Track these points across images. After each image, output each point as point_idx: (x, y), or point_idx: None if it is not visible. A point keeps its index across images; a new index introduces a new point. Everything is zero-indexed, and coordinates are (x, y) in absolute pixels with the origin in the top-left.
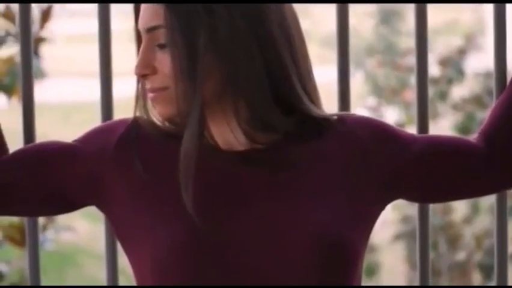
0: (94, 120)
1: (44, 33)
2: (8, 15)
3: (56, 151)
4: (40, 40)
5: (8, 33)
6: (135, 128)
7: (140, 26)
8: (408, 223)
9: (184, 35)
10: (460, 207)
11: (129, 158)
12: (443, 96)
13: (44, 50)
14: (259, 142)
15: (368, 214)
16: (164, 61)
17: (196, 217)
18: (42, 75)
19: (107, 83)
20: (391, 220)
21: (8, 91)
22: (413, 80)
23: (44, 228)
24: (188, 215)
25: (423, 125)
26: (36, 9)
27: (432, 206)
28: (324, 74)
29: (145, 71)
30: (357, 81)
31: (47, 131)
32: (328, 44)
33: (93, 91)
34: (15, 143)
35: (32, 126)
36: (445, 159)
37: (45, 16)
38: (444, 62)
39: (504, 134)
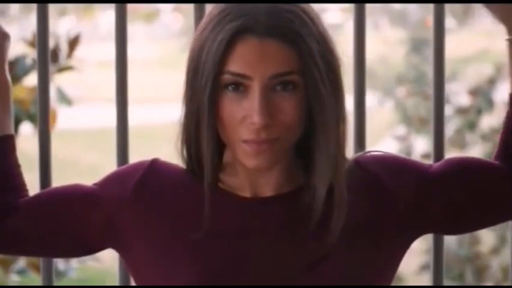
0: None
1: (71, 61)
2: (34, 43)
3: (76, 197)
4: (66, 68)
5: (35, 61)
6: (152, 172)
7: (259, 72)
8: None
9: (321, 79)
10: (487, 238)
11: (146, 204)
12: (472, 126)
13: (74, 76)
14: (292, 187)
15: (391, 257)
16: (288, 107)
17: (212, 263)
18: (68, 102)
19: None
20: (418, 250)
21: (34, 120)
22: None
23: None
24: (205, 260)
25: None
26: (63, 37)
27: (458, 238)
28: (349, 105)
29: (268, 120)
30: (386, 110)
31: (78, 156)
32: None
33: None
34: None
35: (48, 153)
36: (464, 179)
37: (73, 44)
38: (474, 92)
39: None
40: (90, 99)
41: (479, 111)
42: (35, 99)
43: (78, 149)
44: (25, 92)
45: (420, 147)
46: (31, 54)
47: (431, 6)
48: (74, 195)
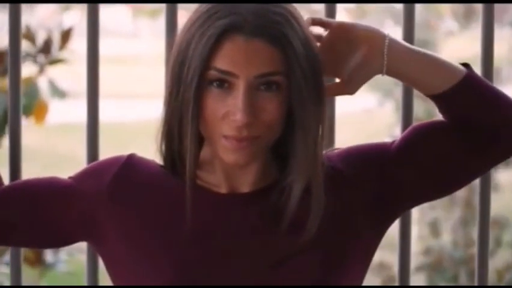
0: (116, 140)
1: (63, 54)
2: (26, 35)
3: (51, 190)
4: (58, 61)
5: (27, 54)
6: (128, 167)
7: (244, 71)
8: (430, 255)
9: (305, 81)
10: None
11: (122, 199)
12: None
13: (74, 70)
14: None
15: (367, 242)
16: (271, 107)
17: (187, 259)
18: (61, 95)
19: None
20: (415, 252)
21: (26, 111)
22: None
23: (57, 249)
24: (181, 257)
25: None
26: (56, 30)
27: (453, 239)
28: (354, 104)
29: (251, 119)
30: (386, 111)
31: (73, 151)
32: None
33: (126, 112)
34: (32, 160)
35: (19, 148)
36: (421, 143)
37: (65, 37)
38: None
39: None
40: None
41: None
42: (27, 91)
43: (76, 142)
44: None
45: None
46: (23, 46)
47: (435, 8)
48: (49, 188)
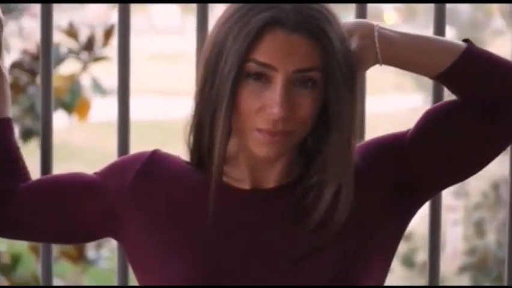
0: (168, 138)
1: (106, 52)
2: (70, 33)
3: (77, 186)
4: (100, 59)
5: (70, 51)
6: (152, 163)
7: (284, 65)
8: (475, 255)
9: (342, 78)
10: None
11: (146, 194)
12: None
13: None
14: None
15: (387, 236)
16: (305, 103)
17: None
18: (103, 92)
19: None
20: (460, 252)
21: (69, 108)
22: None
23: (99, 246)
24: (203, 252)
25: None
26: (100, 27)
27: (498, 239)
28: (400, 103)
29: (287, 113)
30: None
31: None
32: (405, 72)
33: (171, 109)
34: (76, 159)
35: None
36: (436, 127)
37: (108, 34)
38: None
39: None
40: (138, 91)
41: None
42: (70, 88)
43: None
44: (60, 80)
45: None
46: (66, 43)
47: (483, 7)
48: (75, 183)
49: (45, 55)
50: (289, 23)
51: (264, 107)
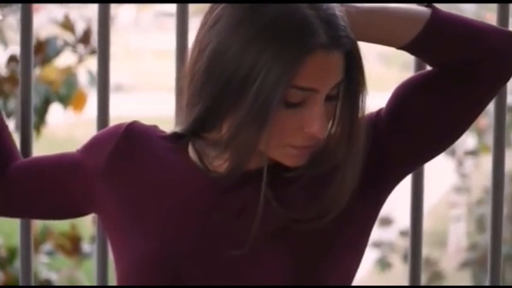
0: None
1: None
2: (66, 25)
3: (60, 165)
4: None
5: (66, 43)
6: (126, 139)
7: (325, 85)
8: (476, 251)
9: (362, 90)
10: None
11: (118, 174)
12: None
13: (130, 64)
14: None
15: (355, 229)
16: (331, 114)
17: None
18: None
19: None
20: (462, 248)
21: (64, 101)
22: (488, 107)
23: (94, 240)
24: (164, 231)
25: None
26: (95, 20)
27: (507, 237)
28: None
29: (327, 130)
30: None
31: None
32: (409, 68)
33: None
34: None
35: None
36: (405, 99)
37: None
38: None
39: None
40: (143, 87)
41: None
42: (66, 80)
43: None
44: (56, 72)
45: (466, 144)
46: (62, 35)
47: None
48: (57, 164)
49: (26, 54)
50: (326, 42)
51: (302, 127)
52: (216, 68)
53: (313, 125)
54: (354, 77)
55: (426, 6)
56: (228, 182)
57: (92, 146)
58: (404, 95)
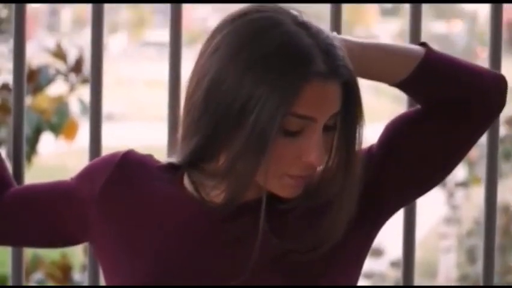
0: None
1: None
2: (58, 54)
3: (54, 194)
4: (88, 81)
5: (57, 72)
6: (122, 168)
7: (323, 114)
8: (467, 282)
9: (359, 120)
10: None
11: (113, 201)
12: (508, 155)
13: (121, 93)
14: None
15: (355, 265)
16: (328, 145)
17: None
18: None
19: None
20: (453, 279)
21: (56, 130)
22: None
23: (85, 269)
24: (163, 257)
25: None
26: (88, 49)
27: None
28: None
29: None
30: None
31: None
32: (399, 99)
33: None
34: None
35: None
36: (399, 139)
37: None
38: (510, 122)
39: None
40: (134, 116)
41: None
42: (57, 109)
43: None
44: (47, 101)
45: (456, 176)
46: (54, 64)
47: (478, 36)
48: (51, 193)
49: (18, 82)
50: (325, 71)
51: (300, 156)
52: (214, 97)
53: (310, 154)
54: (351, 109)
55: (420, 45)
56: (224, 212)
57: (87, 174)
58: (396, 131)
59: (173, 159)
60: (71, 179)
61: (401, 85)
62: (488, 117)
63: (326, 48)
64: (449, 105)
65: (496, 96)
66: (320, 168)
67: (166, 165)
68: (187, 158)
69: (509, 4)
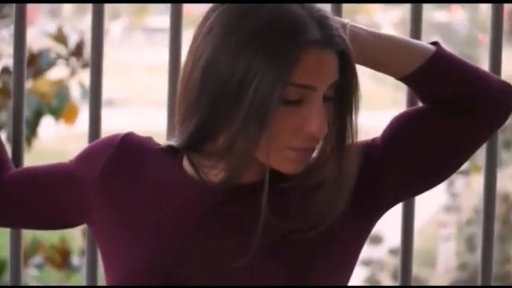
0: None
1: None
2: (59, 38)
3: (52, 176)
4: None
5: (58, 56)
6: (121, 150)
7: (322, 83)
8: (466, 271)
9: (357, 89)
10: None
11: (113, 182)
12: (508, 144)
13: (122, 78)
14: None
15: (347, 245)
16: (329, 115)
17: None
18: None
19: None
20: (452, 267)
21: (56, 114)
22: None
23: (83, 253)
24: (162, 239)
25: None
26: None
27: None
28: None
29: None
30: None
31: None
32: (400, 87)
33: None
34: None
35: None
36: (402, 135)
37: None
38: None
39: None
40: (135, 102)
41: None
42: (58, 93)
43: None
44: (48, 85)
45: None
46: (55, 48)
47: (480, 24)
48: (50, 175)
49: (19, 65)
50: (320, 39)
51: (301, 127)
52: (211, 76)
53: (312, 124)
54: (347, 79)
55: (432, 44)
56: (223, 193)
57: (87, 155)
58: (400, 126)
59: (173, 142)
60: (70, 161)
61: (407, 79)
62: (494, 119)
63: (320, 19)
64: (455, 104)
65: (504, 99)
66: (319, 145)
67: (166, 147)
68: (186, 141)
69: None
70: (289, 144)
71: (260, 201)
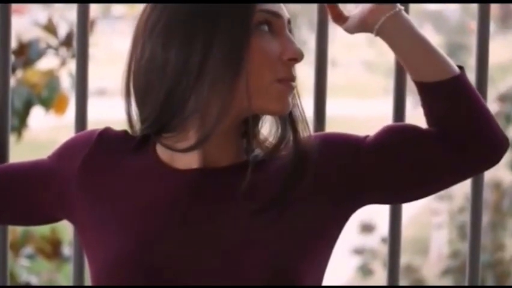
0: None
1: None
2: (49, 28)
3: (32, 171)
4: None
5: (48, 46)
6: (100, 144)
7: (282, 10)
8: (457, 258)
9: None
10: (510, 245)
11: (92, 176)
12: None
13: (114, 68)
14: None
15: (323, 242)
16: None
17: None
18: None
19: None
20: (444, 255)
21: (46, 104)
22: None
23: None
24: (139, 229)
25: None
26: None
27: (481, 243)
28: (388, 107)
29: None
30: (421, 114)
31: None
32: (392, 75)
33: None
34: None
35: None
36: (398, 147)
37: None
38: (503, 98)
39: (449, 115)
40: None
41: (507, 118)
42: (48, 83)
43: None
44: (38, 75)
45: None
46: (45, 38)
47: (471, 11)
48: (32, 169)
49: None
50: None
51: (280, 56)
52: (172, 43)
53: (289, 48)
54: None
55: (458, 67)
56: (197, 179)
57: (65, 151)
58: (391, 137)
59: (144, 129)
60: (49, 157)
61: (425, 86)
62: (483, 161)
63: None
64: (454, 133)
65: (499, 148)
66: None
67: (140, 138)
68: (155, 122)
69: None
70: (275, 75)
71: (233, 185)
